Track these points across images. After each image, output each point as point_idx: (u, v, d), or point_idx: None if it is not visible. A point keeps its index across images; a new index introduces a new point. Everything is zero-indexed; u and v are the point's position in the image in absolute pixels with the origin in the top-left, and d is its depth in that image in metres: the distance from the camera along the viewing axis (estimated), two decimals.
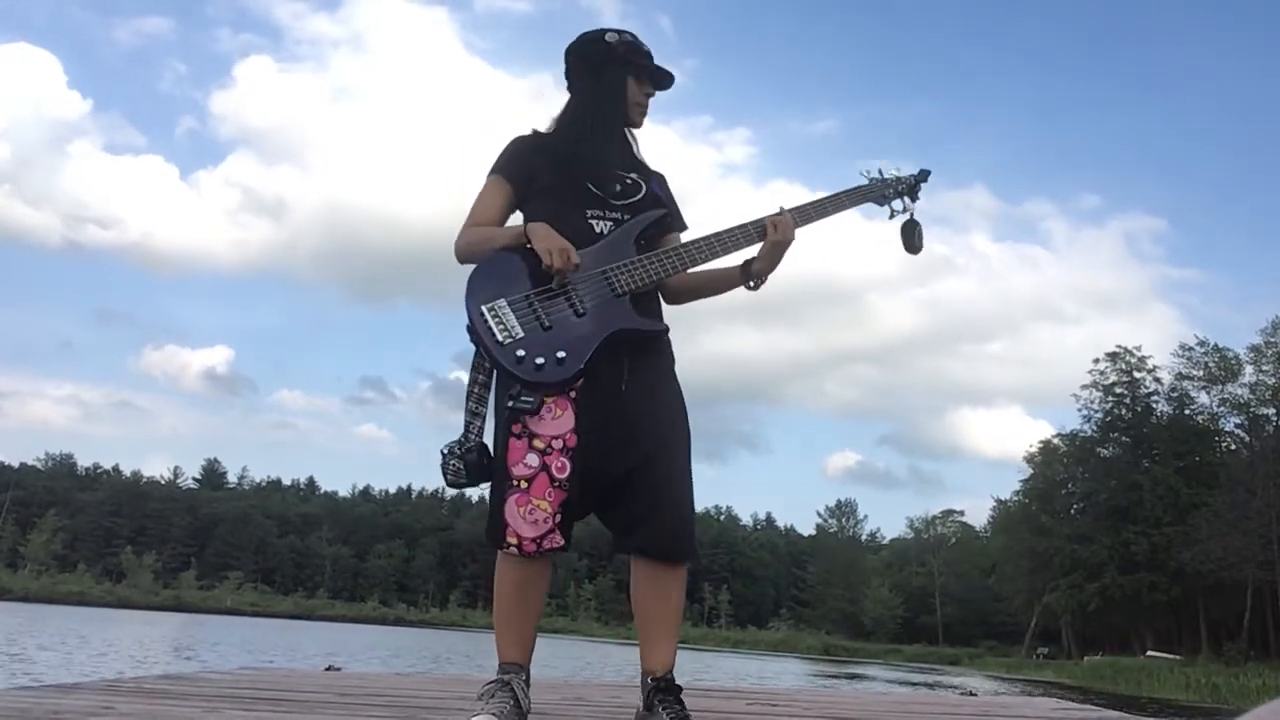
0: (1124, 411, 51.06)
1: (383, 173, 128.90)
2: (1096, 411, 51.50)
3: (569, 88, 2.44)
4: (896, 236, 2.47)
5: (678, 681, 2.21)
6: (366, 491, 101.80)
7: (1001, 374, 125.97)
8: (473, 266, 2.20)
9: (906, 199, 2.48)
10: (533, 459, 2.12)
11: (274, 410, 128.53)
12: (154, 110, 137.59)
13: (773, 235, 2.28)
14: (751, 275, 2.32)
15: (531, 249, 2.16)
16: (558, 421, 2.13)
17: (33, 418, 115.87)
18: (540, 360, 2.09)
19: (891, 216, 2.47)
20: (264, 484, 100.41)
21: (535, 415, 2.11)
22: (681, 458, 2.22)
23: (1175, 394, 50.25)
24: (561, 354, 2.10)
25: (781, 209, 2.33)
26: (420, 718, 2.48)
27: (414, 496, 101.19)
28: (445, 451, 2.15)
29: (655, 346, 2.27)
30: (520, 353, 2.09)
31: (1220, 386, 47.80)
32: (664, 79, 2.42)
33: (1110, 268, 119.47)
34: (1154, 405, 51.10)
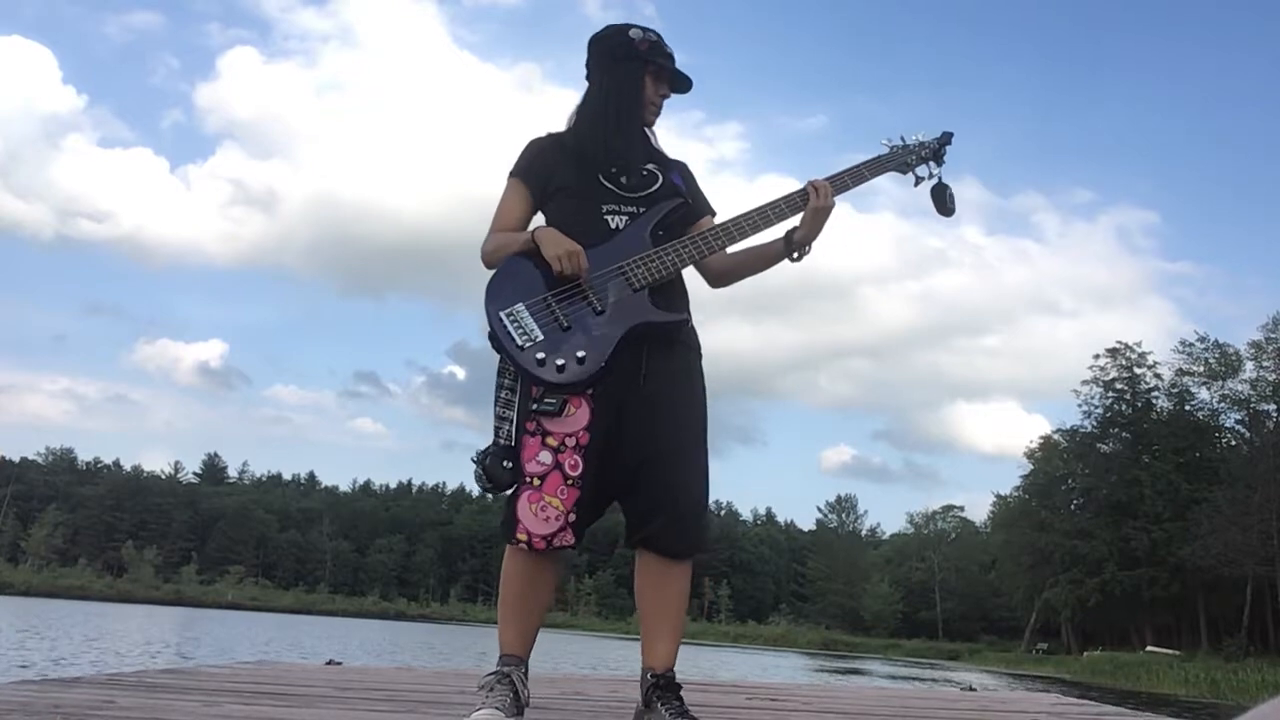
0: (1124, 407, 51.02)
1: (374, 166, 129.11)
2: (1097, 407, 51.53)
3: (588, 78, 2.42)
4: (928, 201, 2.41)
5: (678, 679, 2.20)
6: (367, 486, 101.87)
7: (996, 368, 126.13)
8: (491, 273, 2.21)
9: (932, 164, 2.43)
10: (546, 456, 2.12)
11: (269, 404, 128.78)
12: (147, 105, 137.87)
13: (815, 201, 2.26)
14: (794, 245, 2.30)
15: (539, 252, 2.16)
16: (571, 419, 2.12)
17: (28, 411, 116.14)
18: (560, 362, 2.09)
19: (917, 184, 2.42)
20: (264, 479, 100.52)
21: (558, 416, 2.11)
22: (694, 452, 2.20)
23: (1175, 390, 50.25)
24: (581, 354, 2.10)
25: (812, 180, 2.30)
26: (421, 712, 2.48)
27: (414, 491, 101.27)
28: (473, 459, 2.16)
29: (677, 338, 2.24)
30: (540, 355, 2.09)
31: (1220, 382, 47.77)
32: (682, 83, 2.40)
33: (1103, 261, 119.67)
34: (1154, 401, 51.08)
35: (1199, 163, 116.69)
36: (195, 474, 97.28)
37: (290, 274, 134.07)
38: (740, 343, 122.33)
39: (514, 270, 2.18)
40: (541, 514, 2.11)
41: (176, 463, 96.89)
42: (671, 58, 2.38)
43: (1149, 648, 43.74)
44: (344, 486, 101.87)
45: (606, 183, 2.28)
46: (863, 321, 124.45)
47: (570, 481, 2.11)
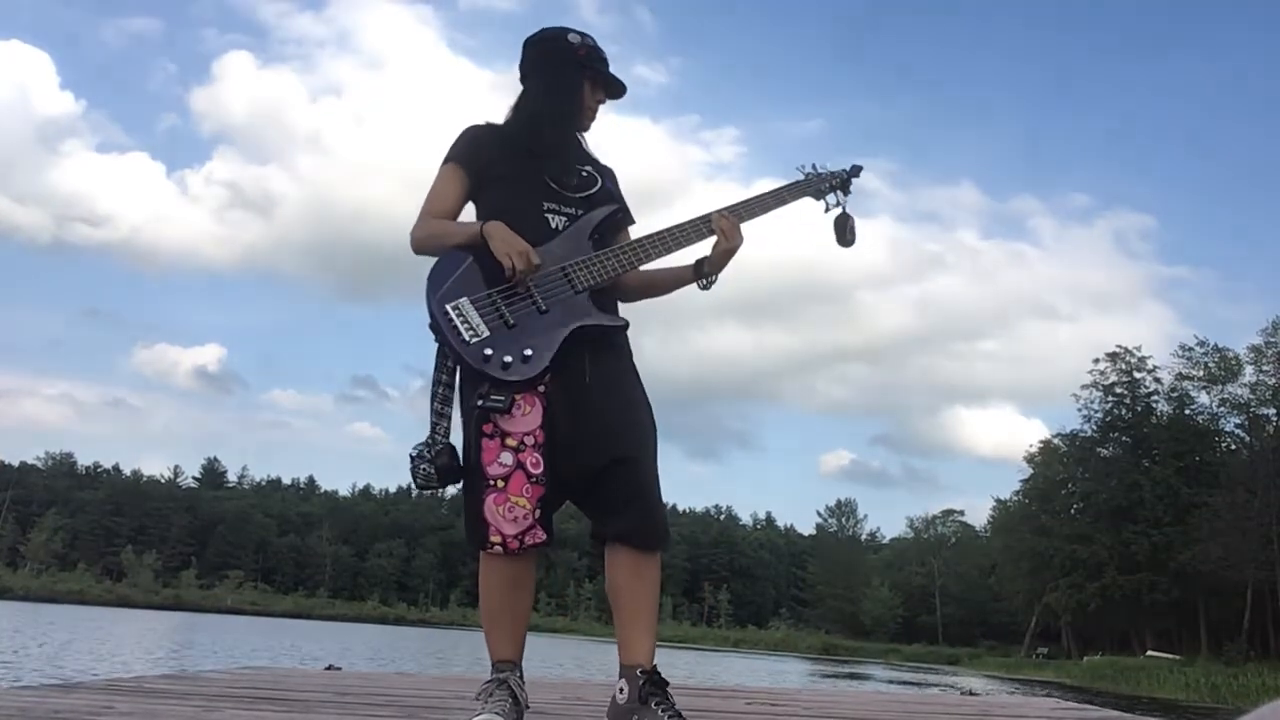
0: (1124, 411, 51.01)
1: (370, 170, 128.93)
2: (1096, 411, 51.51)
3: (522, 80, 2.43)
4: (830, 230, 2.49)
5: (669, 680, 2.21)
6: (367, 491, 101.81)
7: (994, 372, 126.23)
8: (431, 261, 2.21)
9: (840, 193, 2.50)
10: (507, 457, 2.13)
11: (267, 409, 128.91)
12: (144, 110, 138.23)
13: (723, 243, 2.30)
14: (703, 275, 2.34)
15: (488, 247, 2.17)
16: (527, 418, 2.14)
17: (26, 416, 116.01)
18: (508, 358, 2.10)
19: (826, 210, 2.50)
20: (264, 483, 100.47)
21: (506, 414, 2.12)
22: (654, 449, 2.25)
23: (1175, 394, 50.22)
24: (528, 351, 2.12)
25: (723, 211, 2.34)
26: (421, 717, 2.48)
27: (414, 495, 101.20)
28: (414, 454, 2.15)
29: (615, 341, 2.28)
30: (488, 351, 2.10)
31: (1220, 387, 47.78)
32: (616, 88, 2.42)
33: (1099, 265, 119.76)
34: (1154, 405, 51.06)
35: (1196, 166, 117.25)
36: (195, 478, 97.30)
37: (287, 278, 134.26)
38: (738, 347, 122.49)
39: (456, 262, 2.18)
40: (510, 514, 2.12)
41: (176, 467, 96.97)
42: (606, 62, 2.40)
43: (1149, 652, 43.66)
44: (344, 491, 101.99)
45: (548, 180, 2.30)
46: (860, 326, 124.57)
47: (534, 480, 2.13)
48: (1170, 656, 40.75)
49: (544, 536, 2.16)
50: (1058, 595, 49.45)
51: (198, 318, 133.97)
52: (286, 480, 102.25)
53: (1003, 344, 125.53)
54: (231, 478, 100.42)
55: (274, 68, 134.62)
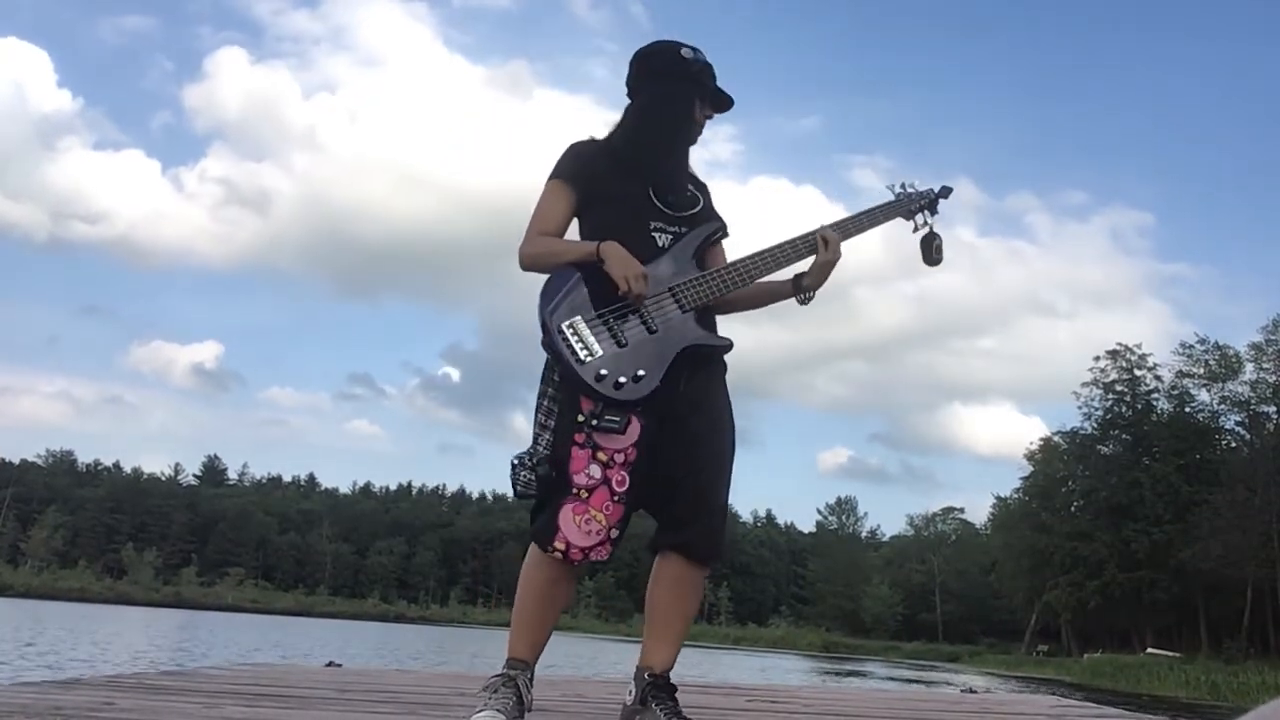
0: (1124, 409, 50.98)
1: (367, 167, 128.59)
2: (1097, 409, 51.48)
3: (631, 93, 2.43)
4: (916, 249, 2.54)
5: (674, 681, 2.23)
6: (367, 488, 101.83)
7: (992, 369, 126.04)
8: (544, 278, 2.23)
9: (927, 213, 2.54)
10: (595, 470, 2.14)
11: (264, 406, 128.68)
12: (140, 107, 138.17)
13: (824, 254, 2.35)
14: (803, 289, 2.38)
15: (601, 266, 2.19)
16: (622, 435, 2.15)
17: (24, 414, 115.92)
18: (622, 379, 2.13)
19: (915, 230, 2.54)
20: (264, 480, 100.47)
21: (621, 434, 2.13)
22: (729, 466, 2.27)
23: (1176, 391, 50.20)
24: (641, 372, 2.15)
25: (827, 227, 2.39)
26: (421, 714, 2.48)
27: (414, 493, 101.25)
28: (515, 462, 2.17)
29: (714, 359, 2.31)
30: (603, 371, 2.13)
31: (1221, 384, 47.75)
32: (725, 102, 2.42)
33: (1097, 262, 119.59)
34: (1154, 403, 51.03)
35: (1193, 163, 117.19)
36: (195, 476, 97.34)
37: (283, 275, 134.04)
38: (736, 343, 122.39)
39: (566, 279, 2.21)
40: (585, 527, 2.13)
41: (176, 465, 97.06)
42: (715, 78, 2.41)
43: (1149, 650, 43.65)
44: (344, 488, 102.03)
45: (654, 198, 2.31)
46: (858, 323, 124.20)
47: (616, 498, 2.14)
48: (1170, 654, 40.74)
49: (607, 555, 2.17)
50: (1058, 593, 49.45)
51: (194, 315, 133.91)
52: (287, 478, 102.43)
53: (1001, 341, 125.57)
54: (232, 475, 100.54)
55: (268, 64, 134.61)
